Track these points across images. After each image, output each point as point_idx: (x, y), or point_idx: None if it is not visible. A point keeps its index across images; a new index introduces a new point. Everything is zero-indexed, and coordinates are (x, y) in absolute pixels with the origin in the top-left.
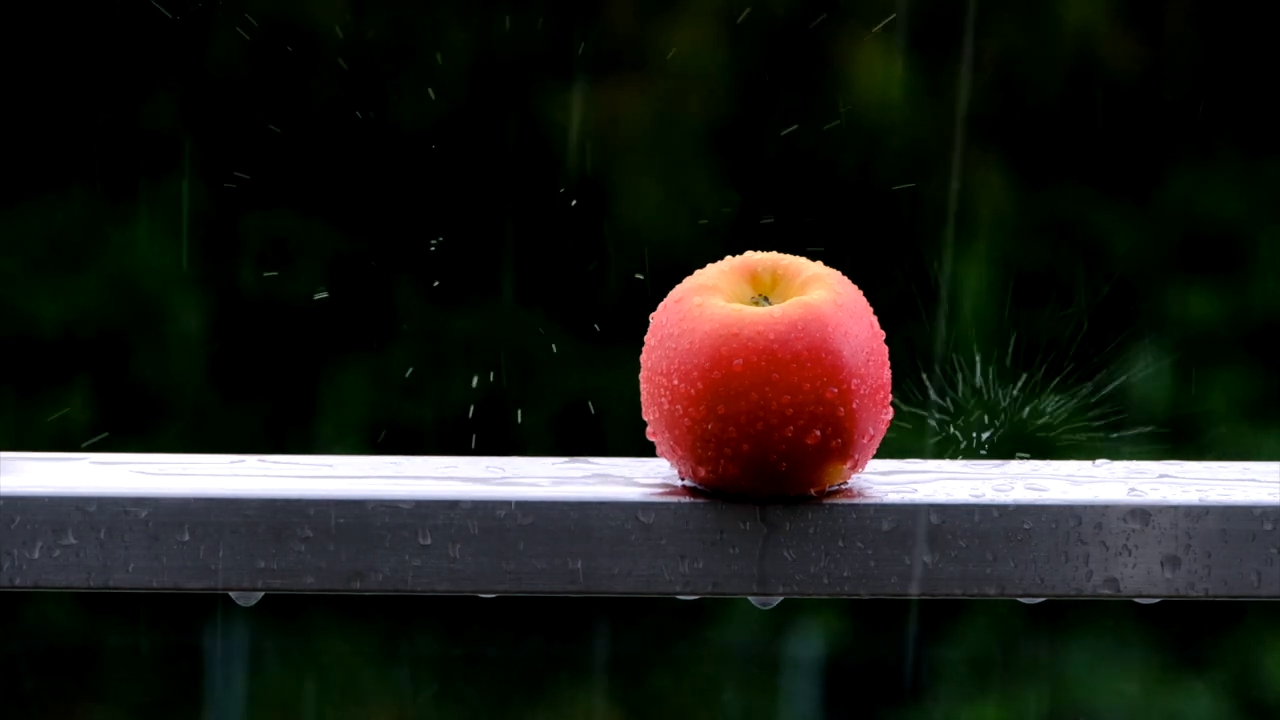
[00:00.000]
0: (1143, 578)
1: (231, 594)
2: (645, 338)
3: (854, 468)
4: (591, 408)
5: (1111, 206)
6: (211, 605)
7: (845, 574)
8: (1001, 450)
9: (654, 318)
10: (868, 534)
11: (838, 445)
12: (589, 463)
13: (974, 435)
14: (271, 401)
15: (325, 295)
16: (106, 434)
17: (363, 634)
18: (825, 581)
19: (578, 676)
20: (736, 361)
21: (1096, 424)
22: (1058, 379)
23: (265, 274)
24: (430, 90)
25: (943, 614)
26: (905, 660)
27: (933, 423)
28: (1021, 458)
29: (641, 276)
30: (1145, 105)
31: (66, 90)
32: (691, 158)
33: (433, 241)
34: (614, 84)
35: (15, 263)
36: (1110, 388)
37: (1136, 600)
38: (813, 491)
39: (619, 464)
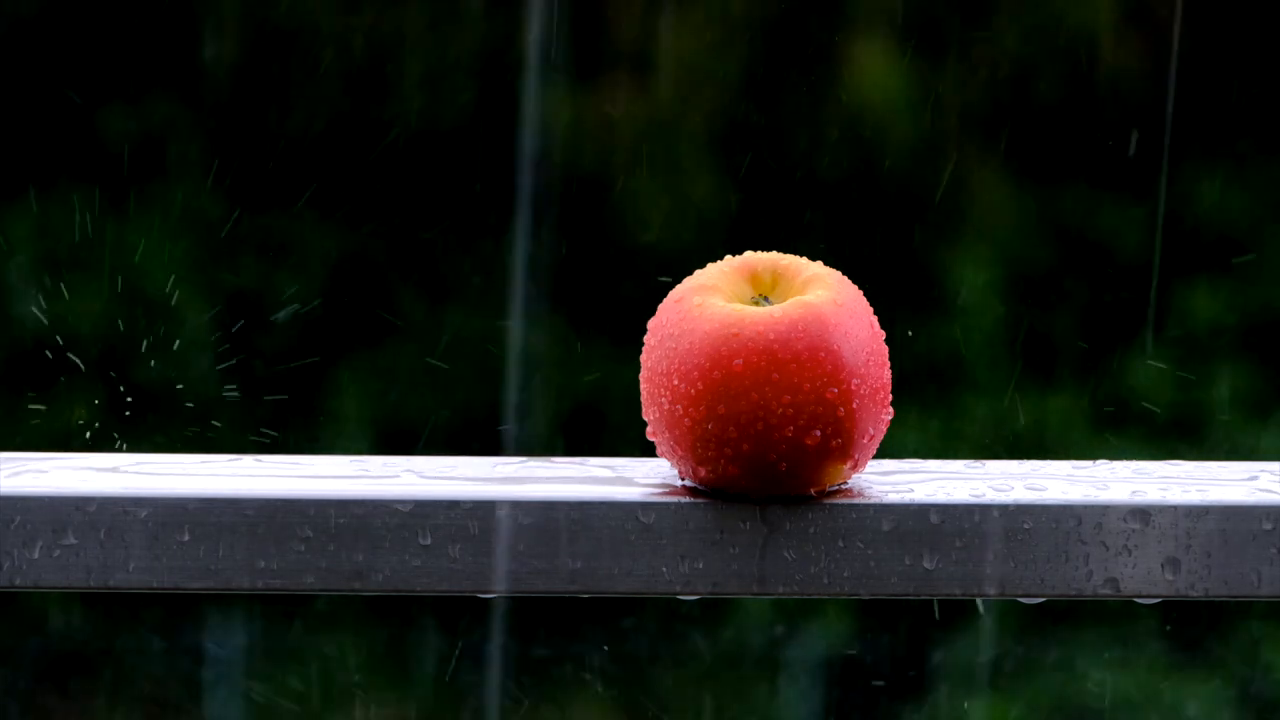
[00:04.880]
0: (1143, 578)
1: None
2: (645, 338)
3: (854, 468)
4: (592, 408)
5: (1113, 205)
6: (212, 605)
7: (845, 574)
8: (1002, 449)
9: (654, 318)
10: (868, 534)
11: (838, 445)
12: (589, 463)
13: (974, 434)
14: (272, 402)
15: (324, 299)
16: (106, 434)
17: (363, 634)
18: (825, 581)
19: (578, 676)
20: (737, 361)
21: (1097, 423)
22: (1058, 378)
23: (267, 273)
24: (432, 90)
25: (944, 614)
26: (906, 660)
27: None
28: (1021, 458)
29: (641, 276)
30: (1147, 104)
31: (67, 89)
32: (692, 157)
33: (434, 241)
34: (615, 84)
35: (16, 263)
36: (1111, 387)
37: (1137, 600)
38: (813, 491)
39: (619, 464)
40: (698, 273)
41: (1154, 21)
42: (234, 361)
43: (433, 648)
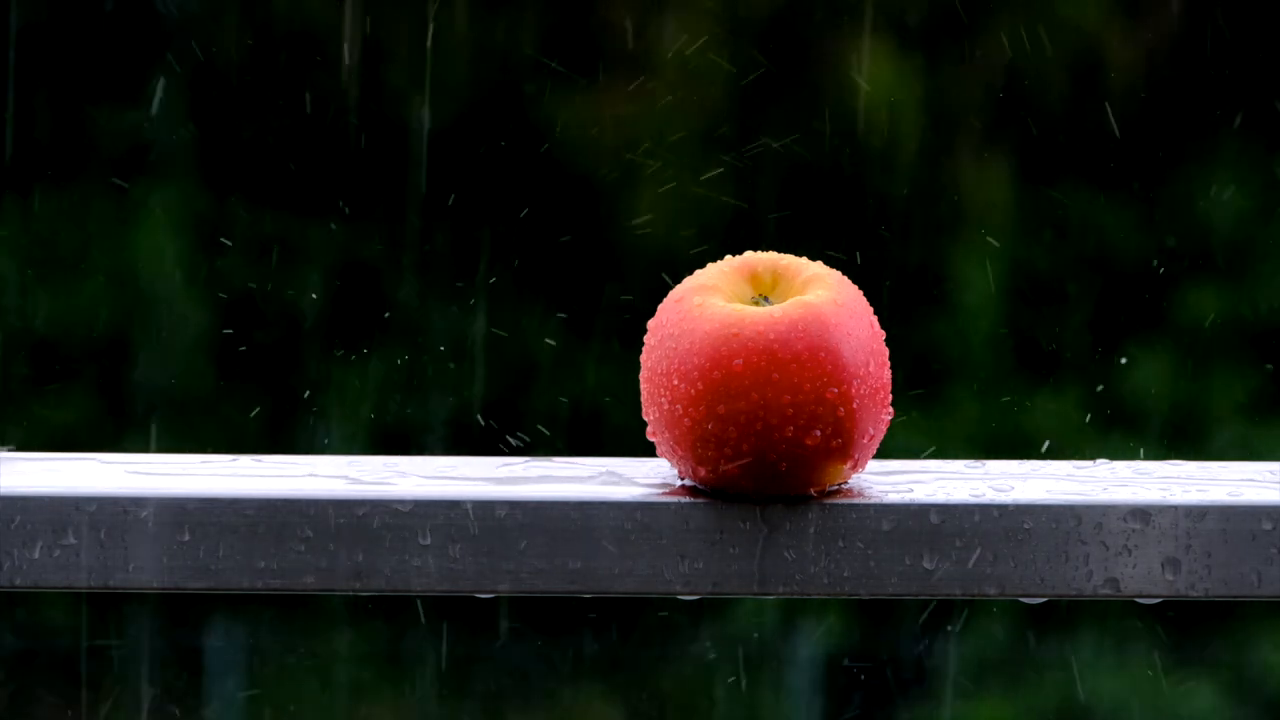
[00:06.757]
0: (1143, 578)
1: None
2: (645, 338)
3: (854, 468)
4: (592, 408)
5: (1113, 205)
6: (212, 605)
7: (845, 574)
8: (1002, 450)
9: (654, 318)
10: (868, 534)
11: (838, 445)
12: (589, 462)
13: (973, 434)
14: (271, 402)
15: (325, 298)
16: (106, 434)
17: (363, 634)
18: (825, 581)
19: (578, 676)
20: (737, 361)
21: (1097, 423)
22: (1058, 378)
23: (266, 274)
24: (432, 89)
25: (943, 614)
26: (906, 660)
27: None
28: (1021, 458)
29: (641, 276)
30: (1148, 104)
31: (67, 90)
32: (692, 158)
33: (433, 241)
34: (614, 84)
35: (15, 263)
36: (1111, 387)
37: (1137, 600)
38: (813, 491)
39: (619, 464)
40: (698, 273)
41: (1155, 21)
42: (233, 361)
43: (433, 647)
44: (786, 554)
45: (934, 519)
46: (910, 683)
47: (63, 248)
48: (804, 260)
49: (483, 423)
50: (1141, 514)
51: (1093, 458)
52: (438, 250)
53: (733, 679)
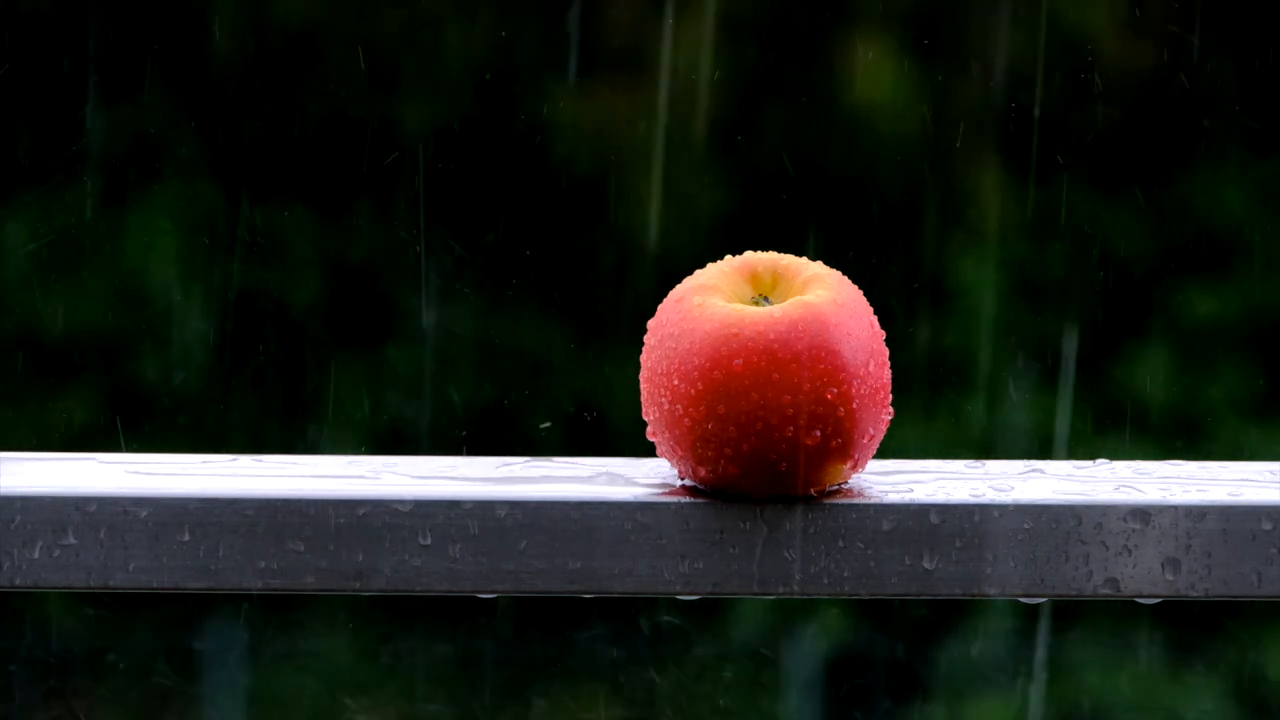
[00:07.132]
0: (1143, 578)
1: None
2: (645, 338)
3: (854, 468)
4: (592, 408)
5: (1113, 205)
6: (211, 605)
7: (845, 574)
8: (1002, 449)
9: (654, 318)
10: (868, 534)
11: (838, 445)
12: (589, 462)
13: (974, 434)
14: (272, 402)
15: (325, 297)
16: (106, 434)
17: (363, 634)
18: (825, 581)
19: (578, 676)
20: (737, 361)
21: (1097, 423)
22: (1058, 378)
23: (266, 274)
24: (432, 91)
25: (944, 614)
26: (906, 660)
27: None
28: (1022, 458)
29: (641, 276)
30: (1147, 104)
31: (67, 89)
32: (692, 158)
33: (433, 241)
34: (614, 85)
35: (16, 263)
36: (1111, 386)
37: (1137, 600)
38: (813, 491)
39: (619, 464)
40: (698, 273)
41: (1154, 21)
42: (234, 361)
43: (432, 647)
44: (786, 554)
45: (934, 519)
46: (910, 683)
47: (63, 247)
48: (804, 260)
49: (482, 423)
50: (1141, 514)
51: (1093, 458)
52: (437, 250)
53: (732, 679)
